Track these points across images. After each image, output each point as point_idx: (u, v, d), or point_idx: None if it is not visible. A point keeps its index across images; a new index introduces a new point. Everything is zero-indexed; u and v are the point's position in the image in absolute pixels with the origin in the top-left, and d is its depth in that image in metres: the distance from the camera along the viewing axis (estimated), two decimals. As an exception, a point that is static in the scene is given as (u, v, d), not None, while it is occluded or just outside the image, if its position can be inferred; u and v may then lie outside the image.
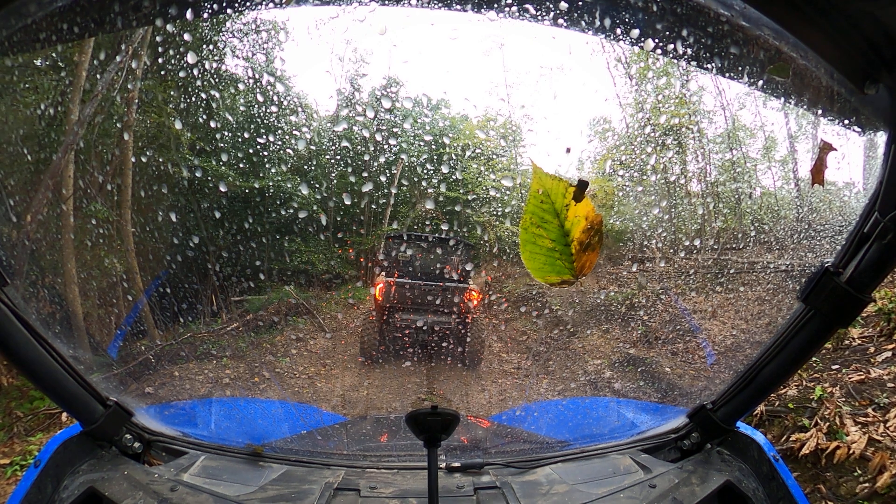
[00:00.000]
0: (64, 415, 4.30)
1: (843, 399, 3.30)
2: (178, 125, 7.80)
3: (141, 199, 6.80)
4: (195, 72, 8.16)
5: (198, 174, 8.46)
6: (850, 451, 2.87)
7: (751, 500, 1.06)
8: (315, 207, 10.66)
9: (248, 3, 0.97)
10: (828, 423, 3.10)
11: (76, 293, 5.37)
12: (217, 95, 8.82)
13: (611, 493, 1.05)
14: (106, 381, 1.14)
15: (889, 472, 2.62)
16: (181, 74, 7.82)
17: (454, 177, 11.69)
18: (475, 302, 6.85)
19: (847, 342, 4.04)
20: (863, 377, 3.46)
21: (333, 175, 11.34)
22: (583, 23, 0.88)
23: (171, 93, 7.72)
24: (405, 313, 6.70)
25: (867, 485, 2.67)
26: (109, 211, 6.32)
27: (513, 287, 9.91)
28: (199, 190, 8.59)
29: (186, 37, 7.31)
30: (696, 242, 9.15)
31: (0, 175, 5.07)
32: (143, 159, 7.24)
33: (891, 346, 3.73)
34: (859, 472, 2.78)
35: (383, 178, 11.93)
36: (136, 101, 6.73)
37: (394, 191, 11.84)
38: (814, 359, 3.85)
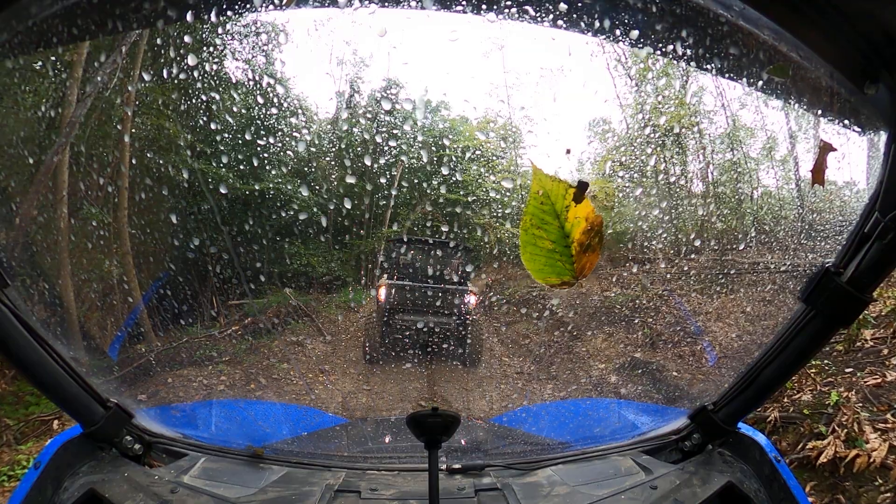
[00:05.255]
0: (56, 422, 4.26)
1: (861, 404, 3.17)
2: (177, 127, 7.82)
3: (140, 201, 6.81)
4: (195, 74, 8.18)
5: (197, 176, 8.47)
6: (871, 460, 2.73)
7: (752, 501, 1.05)
8: (315, 210, 10.66)
9: (247, 6, 0.97)
10: (846, 430, 2.97)
11: (71, 296, 5.37)
12: (217, 97, 8.83)
13: (612, 495, 1.05)
14: (106, 383, 1.14)
15: None
16: (181, 76, 7.83)
17: (454, 178, 11.70)
18: (474, 303, 7.04)
19: (859, 344, 3.94)
20: (879, 381, 3.35)
21: (333, 177, 11.35)
22: (582, 24, 0.88)
23: (172, 95, 7.73)
24: (406, 314, 6.89)
25: (889, 495, 2.56)
26: (108, 213, 6.33)
27: (513, 289, 9.91)
28: (198, 192, 8.59)
29: (186, 39, 7.33)
30: (697, 243, 9.15)
31: (1, 177, 5.07)
32: (143, 162, 7.25)
33: None
34: (880, 481, 2.65)
35: (383, 180, 11.94)
36: (136, 103, 6.74)
37: (394, 193, 11.85)
38: (826, 362, 3.80)
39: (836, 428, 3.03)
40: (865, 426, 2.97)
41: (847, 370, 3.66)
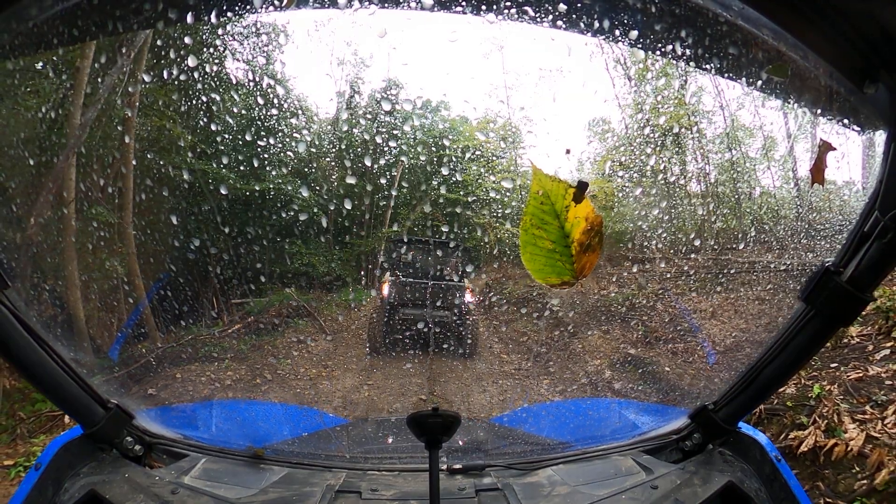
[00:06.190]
0: (66, 416, 4.32)
1: (842, 397, 3.31)
2: (179, 129, 7.83)
3: (142, 202, 6.82)
4: (196, 75, 8.19)
5: (198, 177, 8.48)
6: (849, 449, 2.88)
7: (753, 500, 1.05)
8: (315, 210, 10.66)
9: (247, 6, 0.97)
10: (826, 421, 3.12)
11: (77, 296, 5.38)
12: (218, 98, 8.83)
13: (612, 495, 1.04)
14: (107, 384, 1.14)
15: (887, 469, 2.64)
16: (182, 77, 7.85)
17: (454, 179, 11.71)
18: (470, 298, 7.60)
19: (846, 340, 4.03)
20: (861, 375, 3.48)
21: (334, 177, 11.35)
22: (582, 24, 0.89)
23: (173, 96, 7.74)
24: (407, 308, 7.36)
25: (865, 482, 2.69)
26: (111, 214, 6.35)
27: (513, 288, 9.92)
28: (199, 193, 8.60)
29: (187, 40, 7.33)
30: (697, 243, 9.14)
31: (2, 177, 5.08)
32: (145, 162, 7.27)
33: (889, 344, 3.75)
34: (857, 469, 2.80)
35: (383, 181, 11.95)
36: (139, 104, 6.75)
37: (394, 193, 11.86)
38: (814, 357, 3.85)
39: (817, 419, 3.18)
40: (845, 417, 3.10)
41: (832, 365, 3.75)
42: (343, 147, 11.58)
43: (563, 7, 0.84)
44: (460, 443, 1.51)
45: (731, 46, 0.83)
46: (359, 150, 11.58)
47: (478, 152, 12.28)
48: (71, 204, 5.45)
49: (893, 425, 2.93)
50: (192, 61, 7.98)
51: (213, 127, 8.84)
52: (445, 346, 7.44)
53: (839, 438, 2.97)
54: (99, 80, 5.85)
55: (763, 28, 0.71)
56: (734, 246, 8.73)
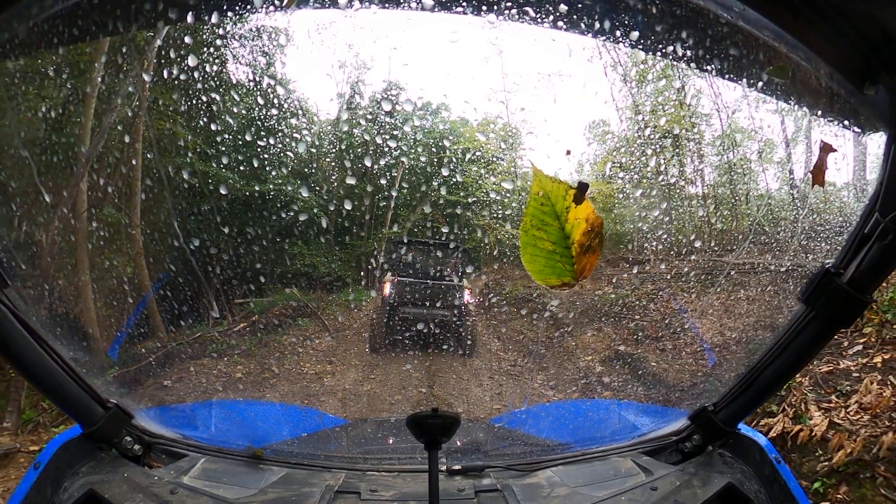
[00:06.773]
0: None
1: (811, 388, 3.58)
2: (183, 131, 7.86)
3: (142, 202, 6.84)
4: (196, 75, 8.21)
5: (199, 177, 8.50)
6: (813, 434, 3.14)
7: (753, 502, 1.05)
8: (316, 210, 10.68)
9: (248, 7, 0.97)
10: (794, 409, 3.38)
11: (89, 296, 5.40)
12: (219, 99, 8.85)
13: (612, 496, 1.04)
14: (107, 384, 1.14)
15: (844, 451, 2.85)
16: (182, 78, 7.87)
17: (454, 180, 11.72)
18: (468, 297, 7.84)
19: None
20: (831, 368, 3.72)
21: (334, 178, 11.37)
22: (582, 25, 0.89)
23: (174, 97, 7.76)
24: (407, 307, 7.56)
25: (826, 463, 2.93)
26: (121, 214, 6.39)
27: (512, 289, 9.93)
28: (200, 193, 8.61)
29: (188, 40, 7.35)
30: (697, 244, 9.14)
31: (3, 178, 5.08)
32: (146, 164, 7.29)
33: (862, 340, 3.93)
34: (820, 452, 3.05)
35: (384, 182, 11.97)
36: (144, 105, 6.77)
37: (394, 194, 11.87)
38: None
39: (786, 407, 3.46)
40: (811, 405, 3.36)
41: (809, 360, 3.89)
42: (343, 148, 11.60)
43: (563, 8, 0.84)
44: (459, 444, 1.51)
45: (732, 48, 0.83)
46: (359, 150, 11.60)
47: (478, 153, 12.29)
48: (83, 207, 5.46)
49: (855, 412, 3.15)
50: (192, 61, 8.00)
51: (213, 127, 8.86)
52: (445, 345, 7.53)
53: (805, 425, 3.22)
54: (100, 79, 5.84)
55: (764, 29, 0.71)
56: (734, 248, 8.72)
